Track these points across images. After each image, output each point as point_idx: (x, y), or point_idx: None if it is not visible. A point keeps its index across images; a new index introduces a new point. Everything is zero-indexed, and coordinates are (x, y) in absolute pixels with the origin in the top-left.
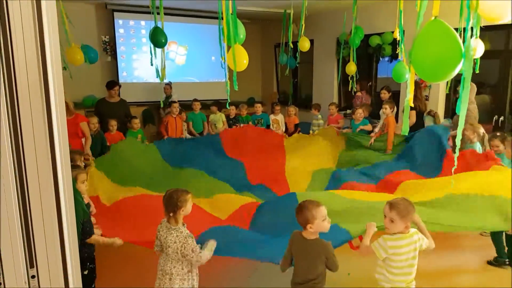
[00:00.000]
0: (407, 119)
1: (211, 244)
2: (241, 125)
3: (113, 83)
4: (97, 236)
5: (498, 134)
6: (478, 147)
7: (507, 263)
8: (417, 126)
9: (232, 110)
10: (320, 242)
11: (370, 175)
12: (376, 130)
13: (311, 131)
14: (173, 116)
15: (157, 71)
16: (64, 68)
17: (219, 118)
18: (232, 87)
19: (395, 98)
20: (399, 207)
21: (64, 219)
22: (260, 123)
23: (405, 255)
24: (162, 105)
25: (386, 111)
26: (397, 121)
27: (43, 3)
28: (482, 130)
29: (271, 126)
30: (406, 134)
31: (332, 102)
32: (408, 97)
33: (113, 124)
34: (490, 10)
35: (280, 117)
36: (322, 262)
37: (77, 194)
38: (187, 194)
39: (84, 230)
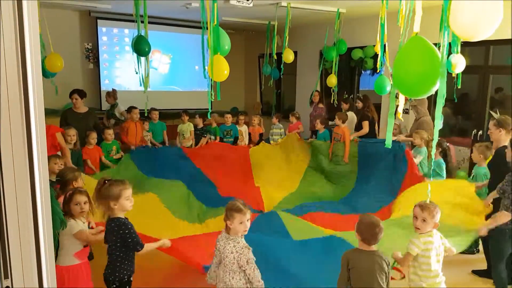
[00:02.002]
0: (391, 133)
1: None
2: (209, 136)
3: (72, 92)
4: (150, 244)
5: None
6: (424, 151)
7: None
8: (370, 134)
9: (199, 120)
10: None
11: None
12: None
13: (272, 141)
14: (134, 122)
15: (141, 80)
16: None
17: (187, 128)
18: (216, 97)
19: (376, 110)
20: (430, 208)
21: (40, 229)
22: (230, 134)
23: (434, 250)
24: (105, 117)
25: (338, 123)
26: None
27: (24, 8)
28: (426, 135)
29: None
30: (389, 147)
31: (292, 112)
32: (391, 111)
33: (94, 137)
34: (463, 30)
35: (244, 128)
36: None
37: (54, 204)
38: (238, 210)
39: (136, 242)
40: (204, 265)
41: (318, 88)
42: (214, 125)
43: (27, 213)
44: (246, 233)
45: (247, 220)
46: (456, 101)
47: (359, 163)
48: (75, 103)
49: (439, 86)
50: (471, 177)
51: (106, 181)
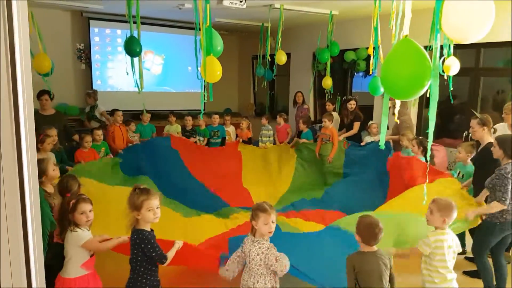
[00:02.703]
0: (384, 135)
1: (285, 258)
2: (198, 138)
3: (41, 92)
4: (170, 253)
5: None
6: (410, 151)
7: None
8: (356, 135)
9: (189, 121)
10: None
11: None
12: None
13: (260, 143)
14: (117, 125)
15: (136, 81)
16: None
17: (174, 129)
18: (208, 98)
19: (369, 111)
20: (439, 201)
21: (29, 230)
22: (217, 135)
23: (446, 248)
24: (85, 118)
25: (326, 124)
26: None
27: (14, 8)
28: (412, 136)
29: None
30: (383, 148)
31: (280, 113)
32: (384, 111)
33: (88, 140)
34: (455, 32)
35: (231, 129)
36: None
37: (44, 205)
38: (263, 210)
39: (160, 255)
40: (221, 254)
41: (311, 90)
42: (203, 126)
43: (16, 214)
44: (271, 234)
45: (272, 222)
46: (452, 102)
47: (345, 164)
48: (45, 105)
49: (432, 89)
50: (459, 176)
51: (137, 189)
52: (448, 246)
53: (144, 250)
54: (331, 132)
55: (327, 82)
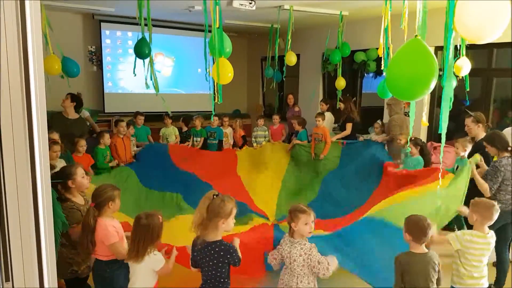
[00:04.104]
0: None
1: (332, 260)
2: (195, 139)
3: (68, 96)
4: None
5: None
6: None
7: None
8: (351, 137)
9: (183, 125)
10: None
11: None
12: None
13: (255, 144)
14: (120, 137)
15: (151, 83)
16: (62, 77)
17: (171, 132)
18: (218, 99)
19: (379, 113)
20: (472, 202)
21: (42, 231)
22: (213, 136)
23: (479, 250)
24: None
25: (319, 123)
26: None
27: (27, 8)
28: (405, 138)
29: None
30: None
31: (275, 114)
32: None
33: (82, 144)
34: (469, 31)
35: (228, 130)
36: None
37: (56, 206)
38: (302, 211)
39: (239, 259)
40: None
41: (321, 91)
42: (199, 127)
43: (29, 215)
44: (310, 235)
45: (312, 222)
46: (468, 104)
47: (341, 162)
48: (67, 107)
49: (446, 89)
50: (455, 168)
51: (215, 196)
52: (481, 250)
53: (229, 259)
54: (323, 131)
55: (340, 83)
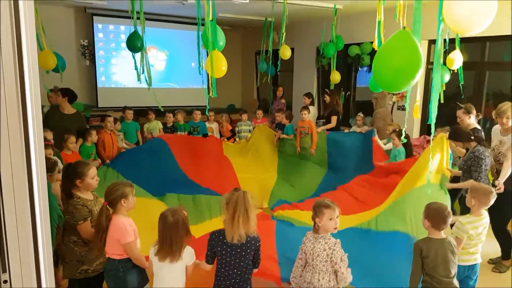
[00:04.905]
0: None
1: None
2: (178, 132)
3: (60, 90)
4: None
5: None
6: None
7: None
8: (336, 129)
9: (169, 118)
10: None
11: None
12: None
13: (238, 139)
14: (108, 132)
15: (144, 76)
16: (47, 72)
17: (155, 126)
18: (211, 94)
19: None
20: (478, 190)
21: (38, 223)
22: (197, 130)
23: (478, 232)
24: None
25: (304, 117)
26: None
27: (21, 6)
28: (392, 128)
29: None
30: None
31: (258, 109)
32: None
33: (72, 141)
34: (456, 23)
35: (214, 125)
36: None
37: (52, 198)
38: (327, 206)
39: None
40: (281, 276)
41: (315, 85)
42: (182, 121)
43: (25, 208)
44: (336, 231)
45: (337, 217)
46: (463, 97)
47: (329, 153)
48: (61, 102)
49: (435, 80)
50: None
51: (240, 190)
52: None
53: (256, 256)
54: (309, 124)
55: (335, 77)
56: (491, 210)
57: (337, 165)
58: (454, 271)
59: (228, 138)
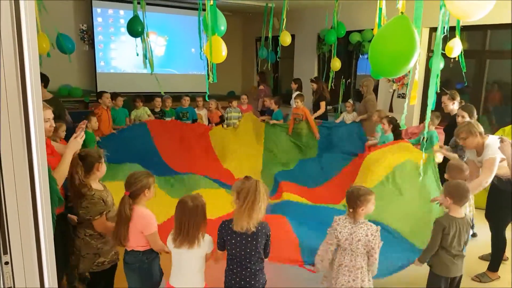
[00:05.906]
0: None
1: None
2: (165, 118)
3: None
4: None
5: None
6: (380, 127)
7: None
8: (325, 115)
9: (158, 103)
10: None
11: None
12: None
13: (224, 125)
14: (104, 108)
15: (148, 61)
16: (48, 55)
17: (143, 112)
18: (212, 80)
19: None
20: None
21: (38, 206)
22: (186, 116)
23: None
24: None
25: (298, 104)
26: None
27: None
28: (384, 114)
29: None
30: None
31: (242, 96)
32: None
33: (64, 129)
34: (457, 7)
35: (203, 112)
36: None
37: (52, 182)
38: (370, 193)
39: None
40: (304, 260)
41: (315, 73)
42: (169, 107)
43: (25, 189)
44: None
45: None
46: (466, 84)
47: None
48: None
49: (434, 65)
50: (424, 140)
51: (250, 178)
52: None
53: (267, 242)
54: (303, 111)
55: (336, 64)
56: (490, 212)
57: (327, 151)
58: (465, 247)
59: (217, 124)
